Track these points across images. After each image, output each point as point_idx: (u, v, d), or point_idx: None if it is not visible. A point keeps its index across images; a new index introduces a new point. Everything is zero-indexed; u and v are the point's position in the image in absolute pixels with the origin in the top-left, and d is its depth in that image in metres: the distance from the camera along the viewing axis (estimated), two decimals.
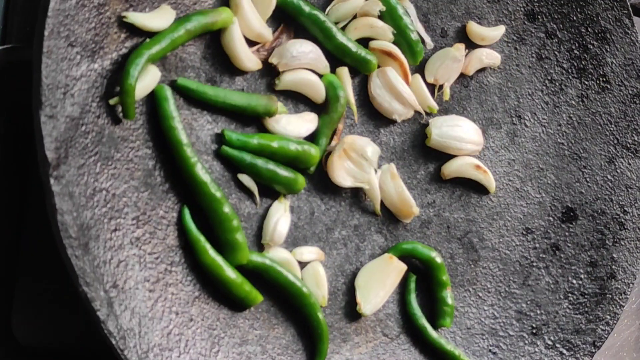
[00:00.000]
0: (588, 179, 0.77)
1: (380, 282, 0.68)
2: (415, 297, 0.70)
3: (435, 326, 0.70)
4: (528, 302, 0.74)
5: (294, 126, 0.65)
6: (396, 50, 0.70)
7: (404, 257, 0.69)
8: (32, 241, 0.66)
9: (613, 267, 0.76)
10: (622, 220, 0.77)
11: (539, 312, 0.74)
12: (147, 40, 0.58)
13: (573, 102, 0.78)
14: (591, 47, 0.78)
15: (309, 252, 0.66)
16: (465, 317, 0.72)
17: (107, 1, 0.57)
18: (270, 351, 0.63)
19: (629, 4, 0.78)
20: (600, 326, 0.74)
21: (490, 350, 0.72)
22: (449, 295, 0.70)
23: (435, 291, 0.70)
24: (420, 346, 0.69)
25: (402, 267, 0.69)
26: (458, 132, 0.72)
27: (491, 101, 0.75)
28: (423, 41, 0.72)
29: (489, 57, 0.75)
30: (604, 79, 0.78)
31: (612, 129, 0.78)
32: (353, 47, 0.68)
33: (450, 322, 0.70)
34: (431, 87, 0.73)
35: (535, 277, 0.75)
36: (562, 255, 0.76)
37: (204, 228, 0.60)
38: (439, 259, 0.70)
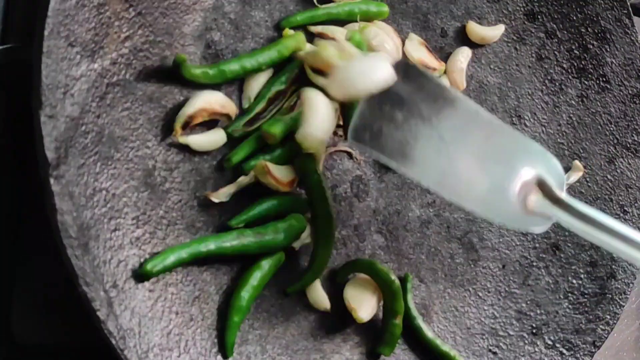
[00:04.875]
0: (588, 179, 0.77)
1: (369, 289, 0.66)
2: (411, 297, 0.69)
3: (376, 352, 0.67)
4: (528, 302, 0.74)
5: None
6: None
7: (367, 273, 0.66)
8: (32, 241, 0.66)
9: (613, 267, 0.76)
10: (622, 220, 0.77)
11: (539, 312, 0.74)
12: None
13: (573, 102, 0.78)
14: (591, 47, 0.78)
15: None
16: (465, 317, 0.72)
17: (107, 1, 0.57)
18: (270, 351, 0.63)
19: (629, 4, 0.78)
20: (600, 326, 0.74)
21: (490, 350, 0.72)
22: (397, 324, 0.66)
23: (386, 317, 0.66)
24: (419, 347, 0.69)
25: None
26: None
27: (491, 101, 0.75)
28: None
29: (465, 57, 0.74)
30: (604, 79, 0.78)
31: (612, 129, 0.78)
32: None
33: (389, 351, 0.66)
34: None
35: (535, 277, 0.75)
36: (562, 255, 0.76)
37: None
38: (396, 284, 0.65)
